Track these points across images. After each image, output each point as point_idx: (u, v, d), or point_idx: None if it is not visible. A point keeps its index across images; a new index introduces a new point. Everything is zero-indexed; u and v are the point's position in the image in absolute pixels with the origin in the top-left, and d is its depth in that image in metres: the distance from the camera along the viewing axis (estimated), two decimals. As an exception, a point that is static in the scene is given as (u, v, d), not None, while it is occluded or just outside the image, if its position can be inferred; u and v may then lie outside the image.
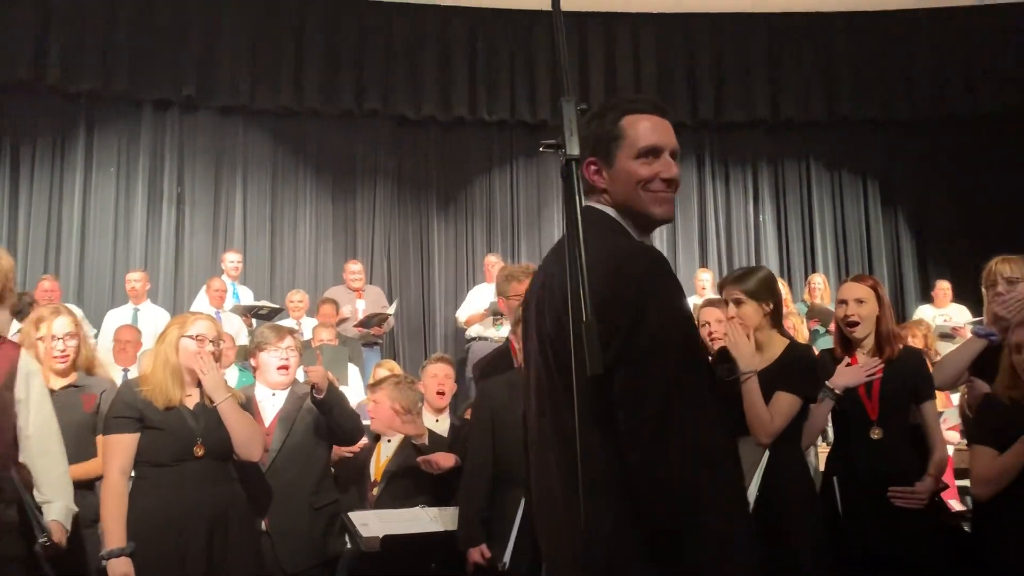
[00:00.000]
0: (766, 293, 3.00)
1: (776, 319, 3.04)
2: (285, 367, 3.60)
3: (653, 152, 1.76)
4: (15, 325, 4.84)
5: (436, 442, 3.80)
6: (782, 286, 4.38)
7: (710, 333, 3.58)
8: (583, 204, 1.79)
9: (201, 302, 7.33)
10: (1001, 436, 2.85)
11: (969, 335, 3.43)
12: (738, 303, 2.98)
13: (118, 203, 8.44)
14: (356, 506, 3.65)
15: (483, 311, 7.16)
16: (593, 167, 1.80)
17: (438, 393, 4.20)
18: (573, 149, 1.54)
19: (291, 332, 3.78)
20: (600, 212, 1.78)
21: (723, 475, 1.62)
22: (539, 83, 8.91)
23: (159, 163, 8.59)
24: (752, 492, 2.74)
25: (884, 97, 9.17)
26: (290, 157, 8.96)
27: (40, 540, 2.62)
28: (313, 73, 8.62)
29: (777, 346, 2.99)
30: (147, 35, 8.20)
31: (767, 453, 2.83)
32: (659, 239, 8.52)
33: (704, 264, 9.11)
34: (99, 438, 3.16)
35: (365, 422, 4.11)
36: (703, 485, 1.57)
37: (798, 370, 2.94)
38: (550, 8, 1.63)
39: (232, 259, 7.83)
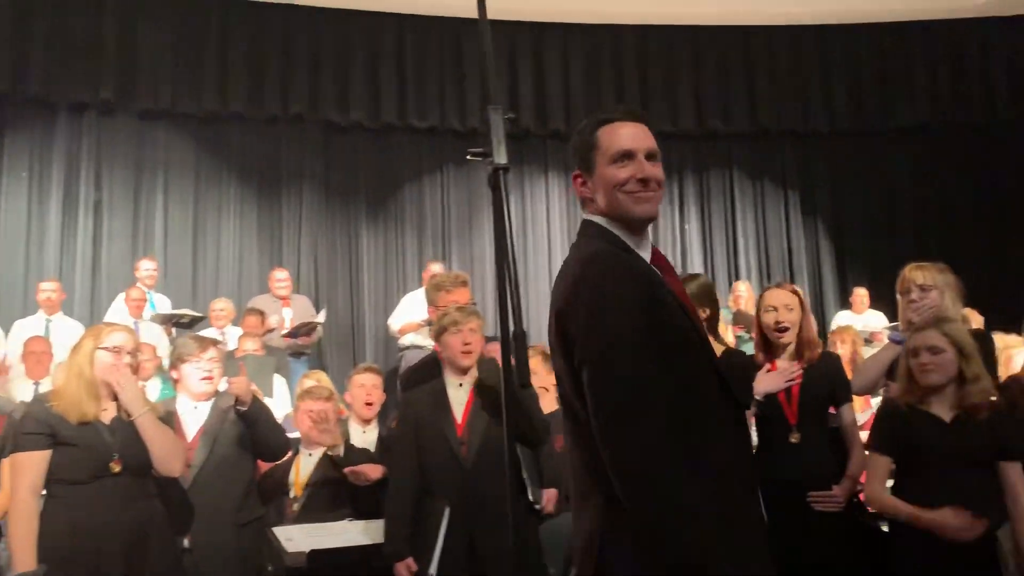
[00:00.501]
0: (705, 299, 3.04)
1: (713, 326, 3.08)
2: (208, 379, 3.51)
3: (627, 155, 1.83)
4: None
5: (359, 453, 3.75)
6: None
7: None
8: (582, 218, 1.93)
9: (118, 312, 7.07)
10: (897, 442, 2.94)
11: (886, 341, 3.54)
12: None
13: (31, 209, 8.08)
14: (275, 521, 3.57)
15: (419, 320, 7.07)
16: (579, 179, 1.91)
17: (366, 404, 4.15)
18: (500, 158, 1.55)
19: (214, 343, 3.70)
20: (591, 223, 1.88)
21: (698, 469, 1.64)
22: (469, 91, 8.89)
23: (75, 168, 8.24)
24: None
25: (803, 110, 9.47)
26: (213, 162, 8.72)
27: None
28: (238, 77, 8.42)
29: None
30: (61, 35, 7.88)
31: None
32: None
33: (631, 272, 9.21)
34: (4, 461, 3.00)
35: (293, 435, 4.03)
36: (674, 482, 1.60)
37: (737, 377, 2.98)
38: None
39: (147, 267, 7.53)
